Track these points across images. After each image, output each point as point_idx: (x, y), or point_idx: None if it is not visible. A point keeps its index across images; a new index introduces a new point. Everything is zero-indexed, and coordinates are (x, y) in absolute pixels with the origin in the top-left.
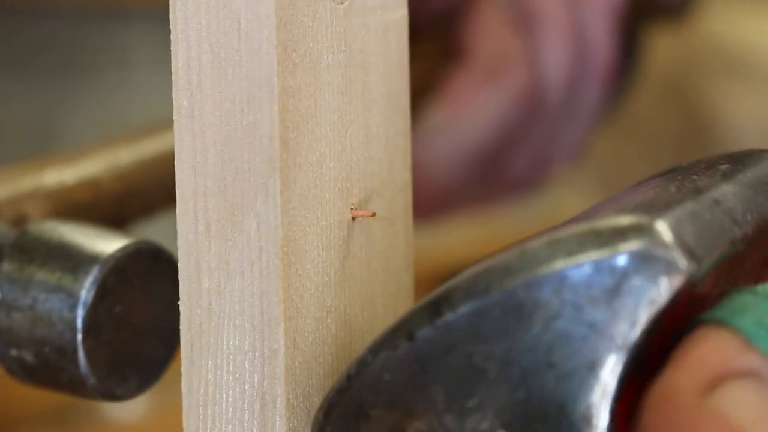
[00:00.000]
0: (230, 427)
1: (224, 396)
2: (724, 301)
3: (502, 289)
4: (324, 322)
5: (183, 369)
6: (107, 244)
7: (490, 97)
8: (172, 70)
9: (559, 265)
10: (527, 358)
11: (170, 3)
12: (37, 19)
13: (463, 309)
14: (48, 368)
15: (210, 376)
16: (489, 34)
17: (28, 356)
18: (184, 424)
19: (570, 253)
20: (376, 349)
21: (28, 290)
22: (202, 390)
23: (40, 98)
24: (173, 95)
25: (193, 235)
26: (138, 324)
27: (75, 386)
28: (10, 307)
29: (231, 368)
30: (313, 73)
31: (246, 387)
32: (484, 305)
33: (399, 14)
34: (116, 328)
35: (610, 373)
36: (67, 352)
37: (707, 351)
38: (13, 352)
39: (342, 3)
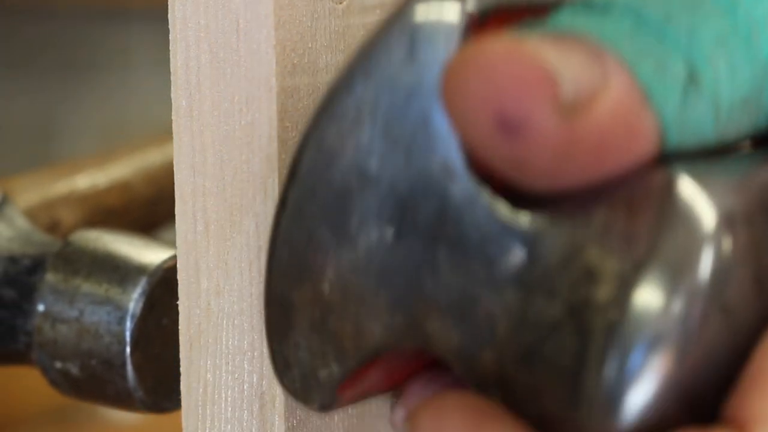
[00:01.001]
0: (229, 426)
1: (223, 396)
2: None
3: (326, 112)
4: None
5: (182, 369)
6: (154, 254)
7: None
8: (171, 70)
9: (357, 59)
10: (374, 151)
11: (169, 3)
12: (37, 19)
13: (307, 151)
14: (94, 381)
15: (209, 375)
16: None
17: (74, 369)
18: (183, 424)
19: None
20: (270, 240)
21: (74, 302)
22: (201, 390)
23: (40, 98)
24: (172, 95)
25: (191, 235)
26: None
27: (122, 399)
28: (55, 319)
29: (230, 368)
30: (311, 73)
31: (245, 386)
32: (319, 134)
33: None
34: (163, 340)
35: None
36: (115, 365)
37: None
38: (58, 365)
39: (340, 3)
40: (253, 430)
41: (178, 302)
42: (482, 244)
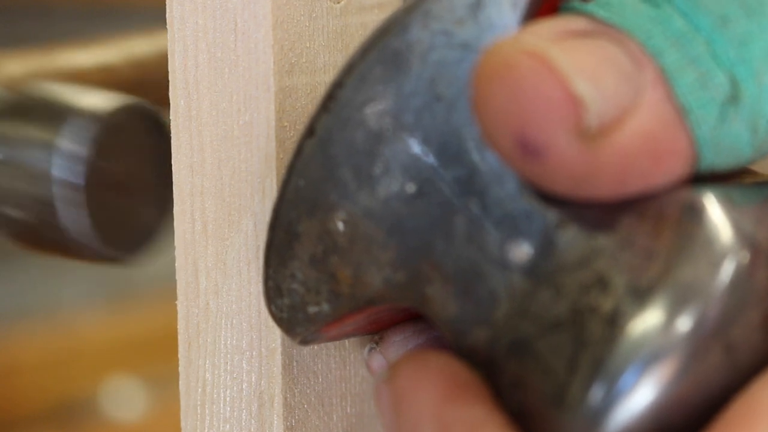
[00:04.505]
0: (228, 426)
1: (222, 395)
2: None
3: (376, 47)
4: None
5: (180, 369)
6: (104, 100)
7: None
8: (169, 70)
9: (418, 3)
10: (416, 101)
11: (167, 3)
12: (37, 19)
13: (349, 81)
14: (42, 226)
15: (208, 375)
16: None
17: (19, 213)
18: (182, 424)
19: None
20: (288, 165)
21: (24, 148)
22: (200, 389)
23: None
24: (170, 95)
25: (190, 234)
26: (130, 185)
27: (68, 245)
28: (4, 164)
29: (229, 367)
30: (309, 73)
31: (243, 386)
32: (365, 68)
33: None
34: (110, 186)
35: None
36: (62, 209)
37: (559, 20)
38: (12, 212)
39: (338, 2)
40: (252, 429)
41: (126, 150)
42: (503, 222)
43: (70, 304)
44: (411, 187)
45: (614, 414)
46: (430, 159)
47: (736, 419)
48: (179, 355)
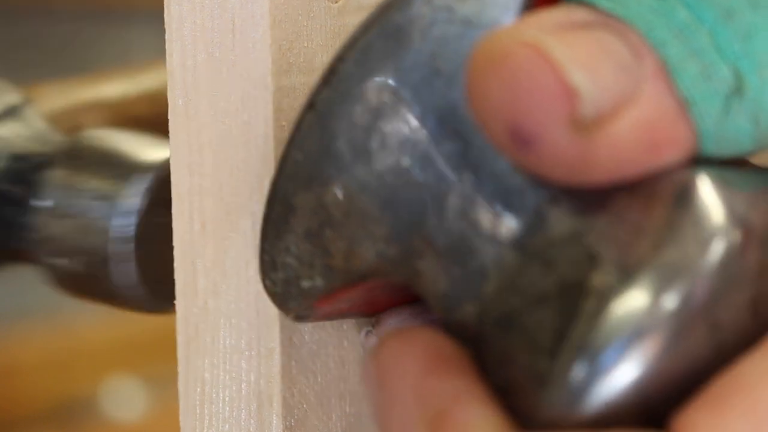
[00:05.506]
0: (227, 426)
1: (221, 395)
2: None
3: (379, 22)
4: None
5: (179, 368)
6: (160, 152)
7: None
8: (167, 69)
9: None
10: (415, 75)
11: (165, 3)
12: (37, 19)
13: (350, 55)
14: (95, 278)
15: (206, 375)
16: None
17: (78, 265)
18: (181, 423)
19: None
20: (288, 140)
21: (77, 197)
22: (198, 389)
23: None
24: (168, 95)
25: (188, 234)
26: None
27: (122, 297)
28: (58, 214)
29: (227, 367)
30: (307, 73)
31: (242, 386)
32: (367, 43)
33: None
34: (157, 238)
35: None
36: (114, 262)
37: (560, 10)
38: (60, 261)
39: (336, 2)
40: (251, 429)
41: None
42: (495, 196)
43: (70, 304)
44: (406, 161)
45: (596, 390)
46: (427, 133)
47: (717, 395)
48: (178, 355)
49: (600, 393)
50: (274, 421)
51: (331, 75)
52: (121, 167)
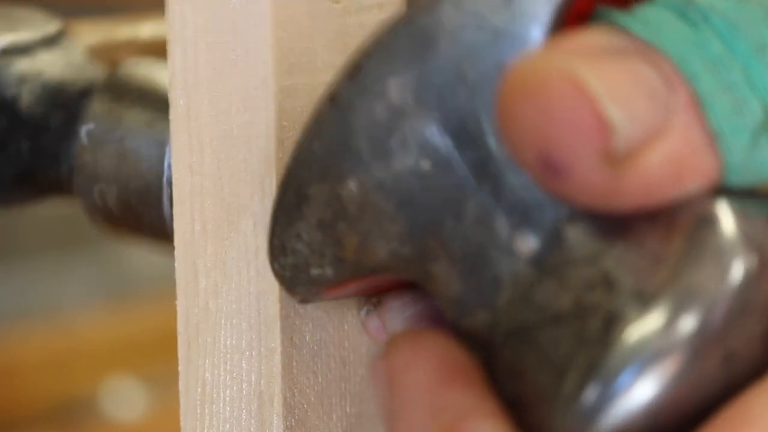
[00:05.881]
0: (228, 425)
1: (222, 395)
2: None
3: (406, 22)
4: (320, 321)
5: (180, 368)
6: None
7: None
8: (169, 70)
9: None
10: (439, 80)
11: (166, 3)
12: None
13: (375, 53)
14: (131, 209)
15: (207, 375)
16: None
17: (112, 194)
18: (182, 423)
19: None
20: (304, 128)
21: (117, 128)
22: (199, 389)
23: None
24: (170, 95)
25: (189, 234)
26: None
27: (157, 229)
28: (97, 143)
29: (228, 367)
30: (309, 73)
31: (243, 386)
32: (392, 42)
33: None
34: None
35: None
36: (153, 193)
37: (594, 34)
38: (97, 189)
39: (338, 2)
40: (252, 429)
41: None
42: (514, 210)
43: (70, 304)
44: (426, 164)
45: (608, 414)
46: (448, 139)
47: (726, 424)
48: (179, 355)
49: (611, 418)
50: (275, 421)
51: (355, 70)
52: (161, 101)
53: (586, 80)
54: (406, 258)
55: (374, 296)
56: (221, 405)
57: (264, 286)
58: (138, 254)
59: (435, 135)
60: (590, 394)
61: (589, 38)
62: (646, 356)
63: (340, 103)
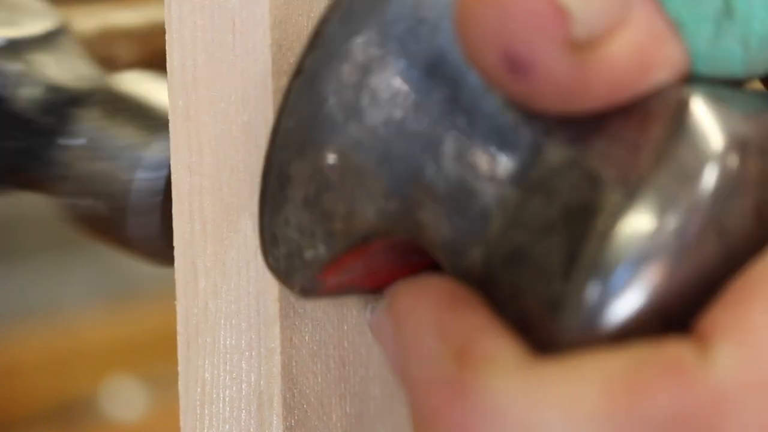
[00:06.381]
0: (227, 426)
1: (221, 395)
2: None
3: None
4: (320, 321)
5: (180, 368)
6: None
7: None
8: (167, 70)
9: None
10: (399, 27)
11: (165, 3)
12: None
13: (334, 16)
14: (115, 224)
15: (207, 375)
16: None
17: (98, 208)
18: (182, 423)
19: None
20: (278, 110)
21: (110, 141)
22: (199, 389)
23: None
24: (168, 95)
25: (188, 234)
26: None
27: (136, 246)
28: (88, 155)
29: (228, 367)
30: None
31: (243, 386)
32: (348, 3)
33: None
34: None
35: None
36: (143, 210)
37: None
38: (83, 201)
39: None
40: (251, 429)
41: None
42: (490, 136)
43: (70, 304)
44: (398, 113)
45: (611, 310)
46: (416, 83)
47: (738, 295)
48: (178, 355)
49: (615, 314)
50: (275, 422)
51: (317, 38)
52: (155, 119)
53: None
54: (393, 213)
55: (376, 293)
56: (221, 405)
57: (263, 286)
58: None
59: (403, 82)
60: (593, 290)
61: None
62: (642, 246)
63: (306, 74)
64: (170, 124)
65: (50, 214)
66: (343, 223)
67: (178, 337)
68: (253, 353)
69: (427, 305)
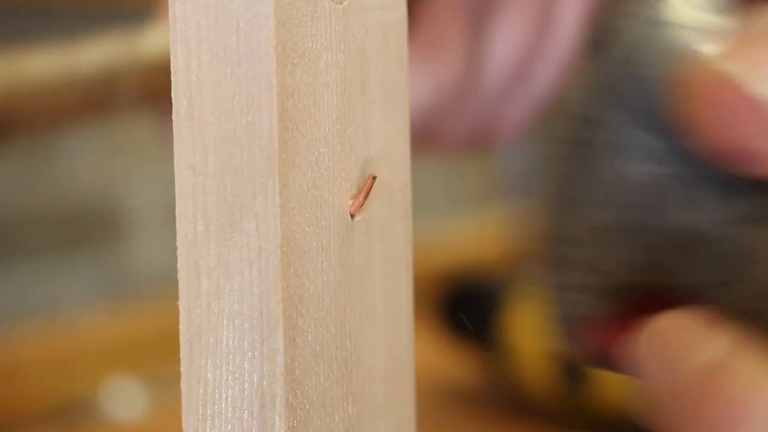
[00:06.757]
0: (229, 426)
1: (223, 396)
2: None
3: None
4: (323, 321)
5: (182, 369)
6: None
7: (417, 76)
8: (171, 70)
9: None
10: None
11: (168, 3)
12: (37, 20)
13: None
14: None
15: (209, 375)
16: (436, 19)
17: None
18: (183, 424)
19: None
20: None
21: None
22: (201, 390)
23: None
24: (172, 95)
25: (192, 235)
26: None
27: None
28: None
29: (230, 368)
30: (312, 73)
31: (245, 387)
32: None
33: (398, 14)
34: None
35: None
36: None
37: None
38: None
39: (341, 3)
40: (254, 429)
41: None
42: (714, 184)
43: (70, 304)
44: (641, 168)
45: None
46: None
47: None
48: (181, 356)
49: None
50: (277, 422)
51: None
52: None
53: (747, 83)
54: (641, 265)
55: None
56: (223, 405)
57: (266, 286)
58: (138, 254)
59: (657, 142)
60: None
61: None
62: None
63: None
64: (174, 125)
65: (50, 215)
66: (597, 281)
67: (181, 338)
68: (256, 354)
69: (687, 327)
